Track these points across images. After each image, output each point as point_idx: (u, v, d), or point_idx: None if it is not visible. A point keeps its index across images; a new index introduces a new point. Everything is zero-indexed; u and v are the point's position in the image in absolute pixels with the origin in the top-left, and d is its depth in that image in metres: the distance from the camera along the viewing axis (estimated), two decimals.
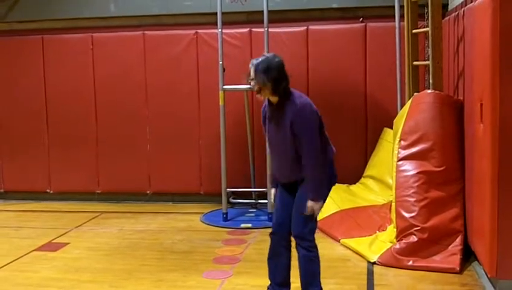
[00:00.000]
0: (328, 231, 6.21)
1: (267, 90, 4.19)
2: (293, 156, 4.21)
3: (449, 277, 5.14)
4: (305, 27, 7.71)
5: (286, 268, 4.48)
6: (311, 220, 4.30)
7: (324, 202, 4.31)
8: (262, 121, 4.46)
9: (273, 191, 4.61)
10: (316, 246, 4.35)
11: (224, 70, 7.16)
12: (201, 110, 8.02)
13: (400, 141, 5.88)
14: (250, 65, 4.24)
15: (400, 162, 5.78)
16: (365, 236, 5.95)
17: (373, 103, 7.61)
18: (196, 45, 7.97)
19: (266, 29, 7.05)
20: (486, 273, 4.82)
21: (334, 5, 7.76)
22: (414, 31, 6.62)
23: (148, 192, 8.31)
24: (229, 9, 7.35)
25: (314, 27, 7.67)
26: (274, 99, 4.24)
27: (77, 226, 7.21)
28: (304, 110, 4.16)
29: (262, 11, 7.04)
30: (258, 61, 4.21)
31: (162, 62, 8.05)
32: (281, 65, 4.21)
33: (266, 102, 4.40)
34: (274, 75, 4.15)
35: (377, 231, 6.02)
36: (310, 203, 4.20)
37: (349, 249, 5.87)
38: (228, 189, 7.36)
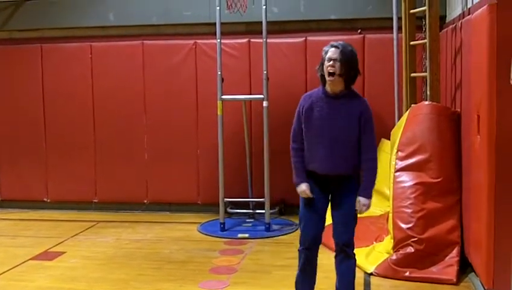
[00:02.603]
0: (325, 242, 6.16)
1: (344, 76, 4.11)
2: (353, 146, 4.14)
3: (446, 288, 5.14)
4: (304, 38, 7.74)
5: (314, 285, 4.42)
6: (355, 224, 4.28)
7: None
8: (305, 110, 4.22)
9: (304, 185, 4.24)
10: None
11: (222, 80, 7.18)
12: (199, 120, 8.03)
13: (397, 152, 5.90)
14: (330, 47, 4.14)
15: (397, 173, 5.79)
16: (362, 247, 5.92)
17: None
18: (195, 55, 7.99)
19: (265, 39, 7.08)
20: (483, 285, 4.81)
21: (333, 17, 7.80)
22: (412, 42, 6.65)
23: (145, 201, 8.30)
24: (228, 19, 7.37)
25: (313, 38, 7.70)
26: (339, 88, 4.16)
27: (74, 235, 7.19)
28: (369, 105, 4.25)
29: (261, 22, 7.07)
30: (342, 44, 4.16)
31: (160, 72, 8.07)
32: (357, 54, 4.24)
33: (311, 93, 4.29)
34: (356, 63, 4.19)
35: (374, 242, 6.01)
36: (365, 201, 4.15)
37: None
38: (225, 199, 7.36)
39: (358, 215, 4.30)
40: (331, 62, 4.10)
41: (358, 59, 4.22)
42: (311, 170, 4.27)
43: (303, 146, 4.30)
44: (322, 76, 4.19)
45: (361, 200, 4.16)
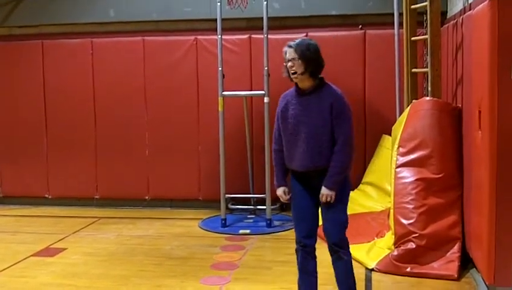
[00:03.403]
0: (323, 236, 6.20)
1: (307, 72, 4.11)
2: (328, 139, 4.10)
3: (447, 283, 5.14)
4: (305, 34, 7.72)
5: (316, 284, 4.38)
6: (347, 223, 4.24)
7: (346, 196, 4.25)
8: (281, 110, 4.27)
9: (281, 190, 4.36)
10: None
11: (223, 76, 7.18)
12: (200, 116, 8.02)
13: (398, 147, 5.89)
14: (286, 47, 4.17)
15: (399, 169, 5.79)
16: (363, 243, 5.94)
17: (372, 110, 7.63)
18: (196, 51, 7.98)
19: (266, 35, 7.07)
20: (484, 281, 4.81)
21: (334, 12, 7.79)
22: (413, 38, 6.64)
23: (146, 198, 8.30)
24: (228, 15, 7.36)
25: (314, 34, 7.67)
26: (308, 84, 4.15)
27: (75, 232, 7.20)
28: (343, 97, 4.18)
29: (262, 18, 7.06)
30: (297, 42, 4.16)
31: (161, 68, 8.07)
32: (318, 48, 4.19)
33: (287, 93, 4.31)
34: (315, 56, 4.15)
35: (375, 238, 6.02)
36: (324, 191, 4.12)
37: None
38: (227, 195, 7.36)
39: (350, 213, 4.28)
40: (290, 63, 4.13)
41: (317, 49, 4.17)
42: (292, 169, 4.29)
43: (283, 147, 4.32)
44: (289, 76, 4.20)
45: (322, 189, 4.15)
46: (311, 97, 4.17)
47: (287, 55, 4.15)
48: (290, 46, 4.16)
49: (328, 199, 4.14)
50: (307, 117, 4.14)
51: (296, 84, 4.24)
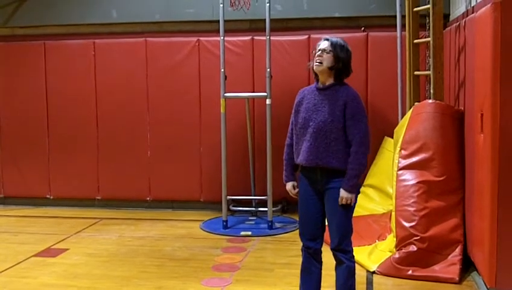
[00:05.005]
0: (327, 240, 6.18)
1: (333, 68, 4.12)
2: (337, 137, 4.06)
3: (448, 287, 5.14)
4: (307, 36, 7.74)
5: (317, 286, 4.35)
6: (351, 228, 4.19)
7: (356, 198, 4.16)
8: (295, 104, 4.30)
9: (290, 184, 4.36)
10: (354, 256, 4.26)
11: (226, 78, 7.18)
12: (202, 117, 8.03)
13: (400, 150, 5.89)
14: (322, 40, 4.21)
15: (400, 172, 5.79)
16: (365, 245, 5.94)
17: (374, 112, 7.62)
18: (198, 53, 7.99)
19: (268, 37, 7.07)
20: (485, 284, 4.81)
21: (336, 14, 7.79)
22: (415, 41, 6.64)
23: (148, 199, 8.30)
24: (231, 17, 7.37)
25: (316, 36, 7.66)
26: (328, 79, 4.16)
27: (77, 232, 7.21)
28: (359, 97, 4.17)
29: (265, 20, 7.07)
30: (336, 39, 4.20)
31: (163, 69, 8.07)
32: (351, 56, 4.24)
33: (305, 88, 4.34)
34: (347, 59, 4.17)
35: (377, 240, 6.01)
36: (342, 193, 4.05)
37: None
38: (228, 197, 7.36)
39: (355, 215, 4.24)
40: (320, 52, 4.16)
41: (350, 55, 4.20)
42: (300, 164, 4.25)
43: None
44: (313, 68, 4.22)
45: (340, 192, 4.08)
46: (327, 93, 4.16)
47: (320, 46, 4.17)
48: (326, 39, 4.20)
49: (348, 202, 4.08)
50: (317, 111, 4.13)
51: (316, 80, 4.24)
